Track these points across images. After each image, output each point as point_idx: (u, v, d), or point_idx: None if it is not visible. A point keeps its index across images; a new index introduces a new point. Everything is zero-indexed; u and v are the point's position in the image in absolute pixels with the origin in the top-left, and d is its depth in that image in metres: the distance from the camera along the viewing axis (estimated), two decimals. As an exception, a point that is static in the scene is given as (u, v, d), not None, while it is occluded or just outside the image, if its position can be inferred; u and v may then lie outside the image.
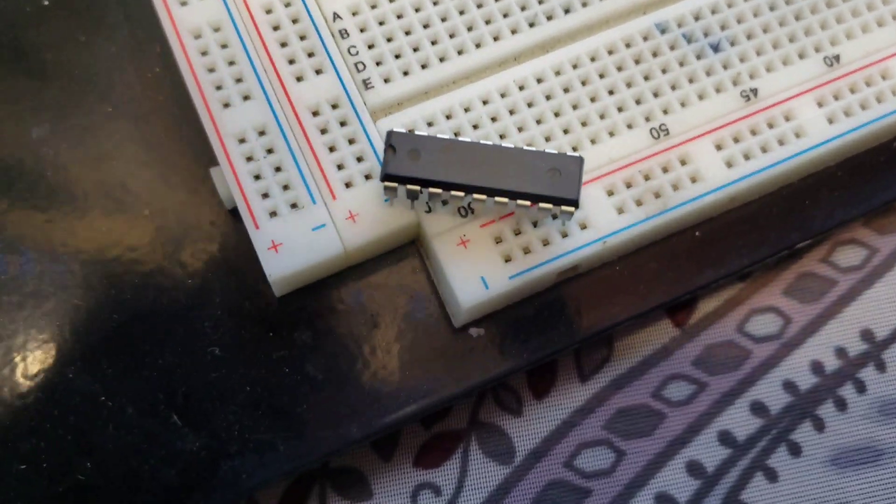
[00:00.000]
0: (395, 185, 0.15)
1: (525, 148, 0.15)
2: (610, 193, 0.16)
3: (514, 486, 0.17)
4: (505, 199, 0.15)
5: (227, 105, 0.16)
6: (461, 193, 0.15)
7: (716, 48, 0.17)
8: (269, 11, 0.17)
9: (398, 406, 0.16)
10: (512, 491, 0.17)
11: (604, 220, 0.16)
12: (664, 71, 0.17)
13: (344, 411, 0.16)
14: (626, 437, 0.17)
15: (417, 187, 0.15)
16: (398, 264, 0.17)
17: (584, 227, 0.16)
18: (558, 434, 0.17)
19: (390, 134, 0.15)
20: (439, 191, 0.15)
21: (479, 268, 0.15)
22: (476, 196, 0.15)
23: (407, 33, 0.17)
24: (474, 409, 0.17)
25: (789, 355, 0.18)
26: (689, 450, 0.17)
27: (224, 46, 0.16)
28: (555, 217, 0.15)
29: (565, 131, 0.16)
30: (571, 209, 0.15)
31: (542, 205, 0.15)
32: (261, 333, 0.16)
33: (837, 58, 0.17)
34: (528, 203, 0.15)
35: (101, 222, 0.17)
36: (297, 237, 0.15)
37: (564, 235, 0.16)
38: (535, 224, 0.16)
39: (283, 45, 0.16)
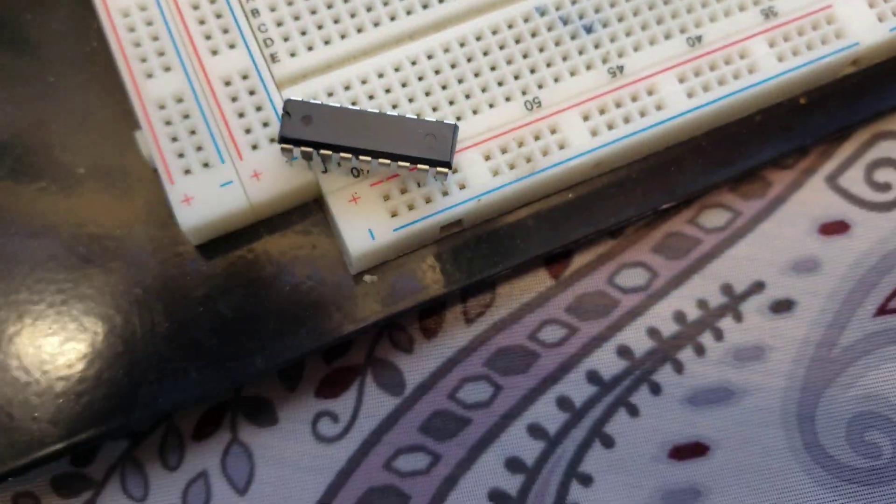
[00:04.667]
0: (290, 147, 0.17)
1: (406, 116, 0.17)
2: (487, 158, 0.18)
3: (403, 415, 0.19)
4: (387, 161, 0.17)
5: (150, 75, 0.18)
6: (349, 155, 0.17)
7: (589, 29, 0.19)
8: (190, -8, 0.19)
9: (300, 341, 0.18)
10: (401, 419, 0.19)
11: (480, 181, 0.18)
12: (541, 50, 0.19)
13: (252, 345, 0.18)
14: (503, 373, 0.19)
15: (310, 149, 0.17)
16: (304, 219, 0.19)
17: (462, 186, 0.18)
18: (444, 370, 0.19)
19: (287, 102, 0.17)
20: (329, 153, 0.17)
21: (367, 221, 0.18)
22: (362, 158, 0.17)
23: (312, 13, 0.19)
24: (371, 347, 0.19)
25: (654, 305, 0.20)
26: (560, 386, 0.19)
27: (149, 24, 0.18)
28: (436, 178, 0.18)
29: (451, 102, 0.18)
30: (446, 170, 0.17)
31: (420, 166, 0.17)
32: (179, 277, 0.18)
33: (700, 38, 0.19)
34: (407, 164, 0.17)
35: (41, 181, 0.19)
36: (207, 192, 0.18)
37: (445, 194, 0.18)
38: (419, 184, 0.18)
39: (201, 22, 0.19)
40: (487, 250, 0.19)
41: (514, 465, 0.19)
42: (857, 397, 0.19)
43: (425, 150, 0.17)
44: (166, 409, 0.18)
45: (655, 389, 0.19)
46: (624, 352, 0.19)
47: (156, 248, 0.18)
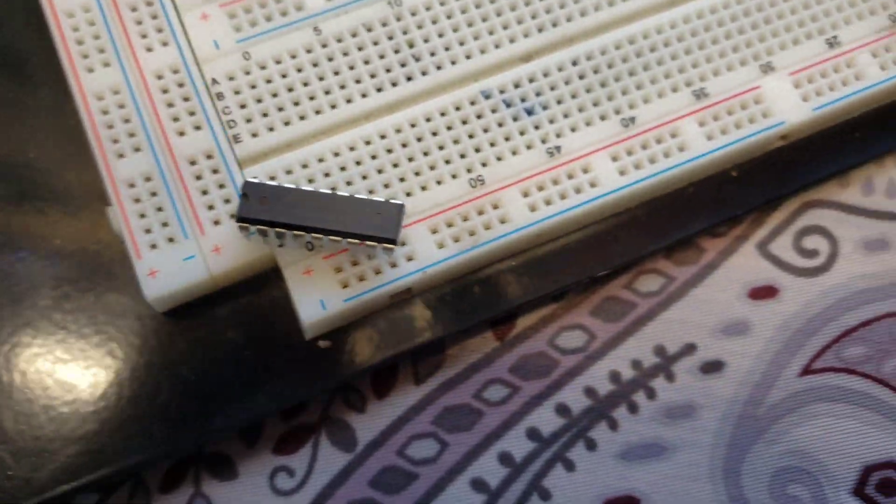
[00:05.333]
0: (247, 225, 0.18)
1: (355, 196, 0.19)
2: (433, 231, 0.20)
3: (354, 470, 0.20)
4: (338, 238, 0.19)
5: (121, 156, 0.20)
6: (302, 233, 0.18)
7: (530, 112, 0.21)
8: (160, 77, 0.20)
9: (258, 403, 0.20)
10: (352, 474, 0.20)
11: (426, 253, 0.20)
12: (485, 130, 0.20)
13: (213, 407, 0.19)
14: (449, 430, 0.20)
15: (266, 227, 0.18)
16: (265, 288, 0.20)
17: (410, 258, 0.19)
18: (394, 427, 0.20)
19: (245, 184, 0.18)
20: (283, 230, 0.18)
21: (319, 292, 0.19)
22: (314, 235, 0.19)
23: (273, 95, 0.20)
24: (325, 407, 0.21)
25: (592, 366, 0.21)
26: (502, 443, 0.20)
27: (121, 107, 0.20)
28: (385, 252, 0.19)
29: (401, 179, 0.20)
30: (392, 246, 0.19)
31: (368, 242, 0.19)
32: (145, 343, 0.20)
33: (633, 119, 0.21)
34: (357, 241, 0.19)
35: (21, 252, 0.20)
36: (171, 265, 0.19)
37: (393, 265, 0.19)
38: (369, 257, 0.19)
39: (170, 105, 0.20)
40: (436, 315, 0.20)
41: (458, 517, 0.20)
42: (781, 453, 0.21)
43: (373, 228, 0.18)
44: (133, 466, 0.19)
45: (591, 445, 0.21)
46: (562, 410, 0.21)
47: (124, 314, 0.20)
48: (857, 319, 0.22)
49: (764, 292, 0.22)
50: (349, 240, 0.19)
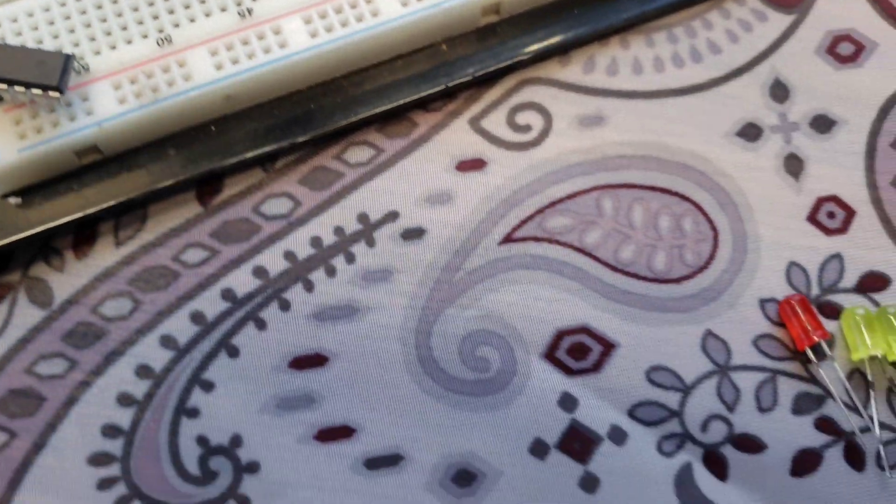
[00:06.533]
0: (-86, 71, 0.19)
1: (23, 46, 0.19)
2: (116, 88, 0.20)
3: (48, 326, 0.21)
4: (3, 86, 0.19)
5: None
6: (-32, 79, 0.19)
7: (224, -24, 0.21)
8: None
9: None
10: (46, 329, 0.20)
11: (105, 109, 0.20)
12: (179, -8, 0.21)
13: None
14: (144, 290, 0.21)
15: (-67, 73, 0.19)
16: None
17: (89, 113, 0.20)
18: (90, 286, 0.21)
19: (-85, 31, 0.19)
20: (-48, 77, 0.19)
21: (-5, 143, 0.20)
22: (-17, 82, 0.19)
23: (-28, -41, 0.21)
24: (26, 266, 0.21)
25: (294, 231, 0.21)
26: (195, 303, 0.21)
27: None
28: (60, 105, 0.19)
29: (91, 39, 0.20)
30: (57, 94, 0.19)
31: (34, 90, 0.19)
32: None
33: (327, -14, 0.21)
34: (21, 88, 0.19)
35: None
36: None
37: (72, 119, 0.20)
38: (50, 111, 0.20)
39: None
40: (129, 177, 0.21)
41: (143, 371, 0.20)
42: (474, 317, 0.21)
43: (37, 76, 0.19)
44: None
45: (284, 306, 0.21)
46: (259, 272, 0.21)
47: None
48: (563, 192, 0.22)
49: (471, 164, 0.22)
50: (16, 88, 0.19)
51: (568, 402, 0.20)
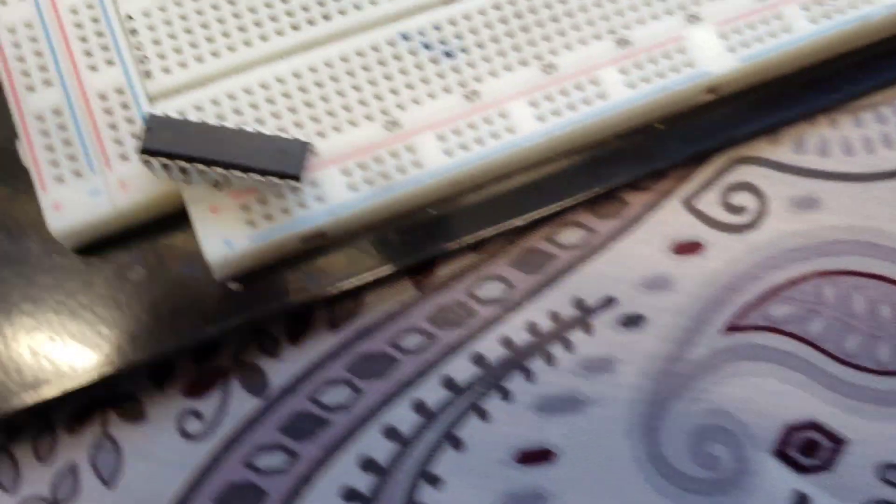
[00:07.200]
0: (149, 158, 0.18)
1: (261, 132, 0.18)
2: (345, 174, 0.19)
3: (265, 415, 0.20)
4: (240, 173, 0.18)
5: (31, 89, 0.19)
6: (204, 167, 0.18)
7: (449, 55, 0.20)
8: (74, 12, 0.20)
9: (167, 343, 0.19)
10: (263, 419, 0.20)
11: (337, 196, 0.19)
12: (403, 73, 0.20)
13: (121, 346, 0.19)
14: (363, 378, 0.20)
15: (169, 161, 0.18)
16: (176, 228, 0.20)
17: (320, 200, 0.19)
18: (307, 373, 0.20)
19: (149, 116, 0.18)
20: (187, 164, 0.18)
21: (224, 231, 0.19)
22: (216, 169, 0.18)
23: (187, 32, 0.20)
24: (238, 351, 0.20)
25: (509, 316, 0.21)
26: (416, 391, 0.20)
27: (33, 41, 0.20)
28: (293, 192, 0.19)
29: (314, 120, 0.20)
30: (297, 183, 0.18)
31: (273, 178, 0.18)
32: (59, 280, 0.20)
33: (554, 65, 0.20)
34: (261, 177, 0.18)
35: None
36: (76, 198, 0.19)
37: (302, 207, 0.19)
38: (278, 197, 0.19)
39: (83, 40, 0.20)
40: (352, 262, 0.20)
41: (368, 464, 0.20)
42: (701, 411, 0.20)
43: (277, 164, 0.18)
44: (38, 406, 0.19)
45: (506, 396, 0.20)
46: (478, 359, 0.20)
47: (39, 255, 0.20)
48: (783, 278, 0.21)
49: (688, 248, 0.21)
50: (253, 175, 0.18)
51: (801, 501, 0.20)
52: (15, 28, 0.20)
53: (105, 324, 0.19)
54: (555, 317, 0.21)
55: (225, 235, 0.19)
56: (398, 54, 0.20)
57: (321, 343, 0.20)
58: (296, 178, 0.18)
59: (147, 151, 0.18)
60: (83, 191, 0.19)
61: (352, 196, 0.19)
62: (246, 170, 0.18)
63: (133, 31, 0.20)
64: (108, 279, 0.19)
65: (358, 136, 0.20)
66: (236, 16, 0.20)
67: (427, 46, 0.20)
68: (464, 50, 0.20)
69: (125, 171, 0.19)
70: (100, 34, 0.20)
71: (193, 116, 0.19)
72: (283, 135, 0.18)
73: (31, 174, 0.19)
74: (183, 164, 0.18)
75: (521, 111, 0.20)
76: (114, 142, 0.19)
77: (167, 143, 0.18)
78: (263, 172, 0.18)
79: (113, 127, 0.19)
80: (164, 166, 0.18)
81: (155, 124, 0.18)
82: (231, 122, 0.19)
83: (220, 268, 0.19)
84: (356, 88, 0.20)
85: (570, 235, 0.21)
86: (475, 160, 0.20)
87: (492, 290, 0.21)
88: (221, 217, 0.19)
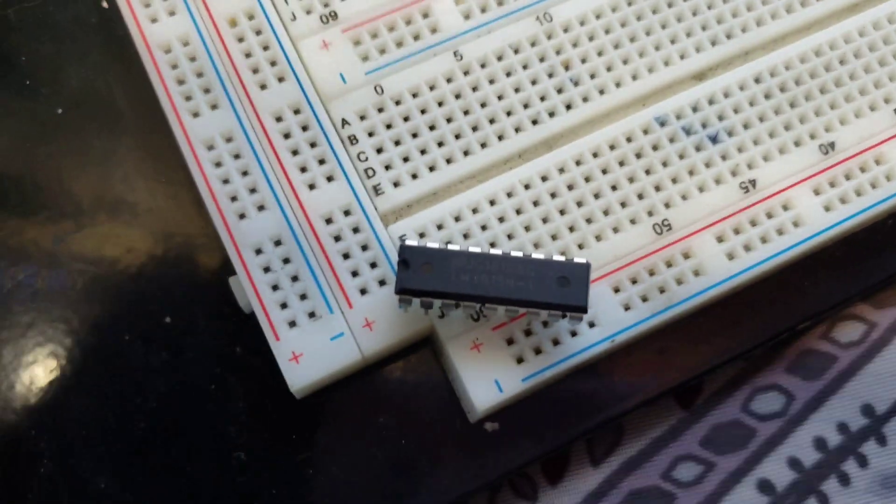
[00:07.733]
0: (409, 297, 0.15)
1: (534, 257, 0.15)
2: (616, 290, 0.17)
3: (533, 571, 0.17)
4: (515, 309, 0.15)
5: (242, 216, 0.16)
6: (474, 304, 0.15)
7: (714, 139, 0.17)
8: (279, 119, 0.17)
9: (419, 500, 0.16)
10: (529, 577, 0.17)
11: (611, 318, 0.16)
12: (664, 164, 0.17)
13: (364, 506, 0.16)
14: (638, 519, 0.18)
15: (430, 299, 0.15)
16: (414, 362, 0.17)
17: (592, 325, 0.16)
18: (572, 518, 0.18)
19: (403, 248, 0.15)
20: (452, 302, 0.15)
21: (492, 371, 0.16)
22: (488, 305, 0.15)
23: (414, 136, 0.17)
24: (491, 496, 0.18)
25: (793, 432, 0.18)
26: (700, 530, 0.18)
27: (237, 157, 0.17)
28: (564, 317, 0.16)
29: (571, 229, 0.17)
30: (580, 315, 0.16)
31: (552, 312, 0.16)
32: (284, 435, 0.17)
33: (833, 145, 0.18)
34: (540, 311, 0.15)
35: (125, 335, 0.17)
36: (316, 347, 0.16)
37: (574, 334, 0.16)
38: (545, 324, 0.16)
39: (295, 153, 0.17)
40: (614, 386, 0.17)
41: None
42: None
43: (557, 295, 0.15)
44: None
45: (803, 528, 0.18)
46: (765, 486, 0.18)
47: (255, 402, 0.17)
48: None
49: (981, 334, 0.19)
50: (532, 310, 0.15)
51: None
52: (214, 143, 0.17)
53: (344, 485, 0.16)
54: (843, 428, 0.18)
55: (493, 376, 0.16)
56: (656, 143, 0.17)
57: (583, 481, 0.18)
58: (583, 310, 0.15)
59: (405, 291, 0.15)
60: (323, 336, 0.16)
61: (629, 317, 0.16)
62: (524, 305, 0.15)
63: (352, 139, 0.17)
64: (345, 428, 0.17)
65: (624, 244, 0.17)
66: (466, 111, 0.17)
67: (687, 131, 0.18)
68: (730, 132, 0.18)
69: (368, 309, 0.16)
70: (313, 144, 0.17)
71: (435, 236, 0.16)
72: (557, 257, 0.16)
73: (259, 318, 0.16)
74: (448, 301, 0.15)
75: (805, 200, 0.17)
76: (349, 273, 0.16)
77: (426, 279, 0.15)
78: (545, 307, 0.15)
79: (346, 255, 0.16)
80: (424, 304, 0.15)
81: (409, 256, 0.15)
82: (479, 240, 0.17)
83: (486, 412, 0.16)
84: (614, 187, 0.17)
85: (848, 331, 0.19)
86: (763, 262, 0.17)
87: (770, 402, 0.18)
88: (485, 355, 0.16)
